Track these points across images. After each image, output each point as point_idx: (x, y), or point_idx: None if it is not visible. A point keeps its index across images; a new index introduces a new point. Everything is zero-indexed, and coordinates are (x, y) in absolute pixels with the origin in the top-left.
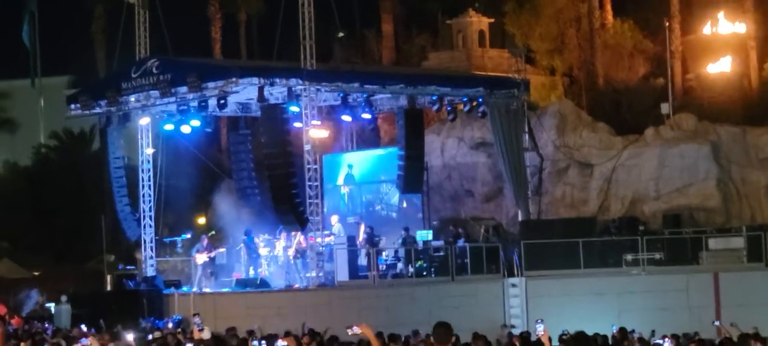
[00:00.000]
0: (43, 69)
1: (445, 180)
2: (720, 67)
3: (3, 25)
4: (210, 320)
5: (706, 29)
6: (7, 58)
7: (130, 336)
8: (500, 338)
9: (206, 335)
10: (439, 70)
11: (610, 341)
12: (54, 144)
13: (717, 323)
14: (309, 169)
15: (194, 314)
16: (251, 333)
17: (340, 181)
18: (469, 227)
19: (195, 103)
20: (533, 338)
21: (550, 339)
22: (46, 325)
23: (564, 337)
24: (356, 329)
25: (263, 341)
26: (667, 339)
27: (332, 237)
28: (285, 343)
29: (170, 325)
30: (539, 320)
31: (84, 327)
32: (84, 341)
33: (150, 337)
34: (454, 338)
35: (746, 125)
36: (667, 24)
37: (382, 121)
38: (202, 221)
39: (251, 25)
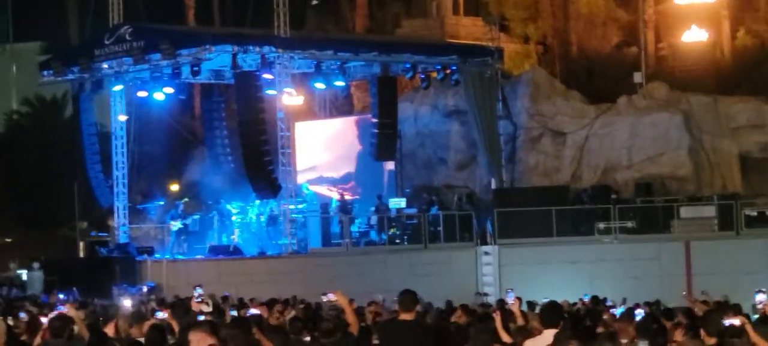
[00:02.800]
0: (14, 34)
1: (418, 148)
2: (693, 37)
3: None
4: (183, 288)
5: None
6: None
7: (128, 301)
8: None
9: (207, 308)
10: (413, 38)
11: (581, 310)
12: (26, 110)
13: (684, 293)
14: (282, 137)
15: (195, 286)
16: (225, 299)
17: None
18: (442, 194)
19: (168, 71)
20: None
21: (520, 307)
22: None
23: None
24: (331, 296)
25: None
26: (640, 308)
27: (305, 204)
28: (257, 311)
29: (145, 290)
30: (510, 290)
31: (62, 296)
32: (60, 307)
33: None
34: (418, 306)
35: (718, 94)
36: None
37: (355, 89)
38: (175, 188)
39: None
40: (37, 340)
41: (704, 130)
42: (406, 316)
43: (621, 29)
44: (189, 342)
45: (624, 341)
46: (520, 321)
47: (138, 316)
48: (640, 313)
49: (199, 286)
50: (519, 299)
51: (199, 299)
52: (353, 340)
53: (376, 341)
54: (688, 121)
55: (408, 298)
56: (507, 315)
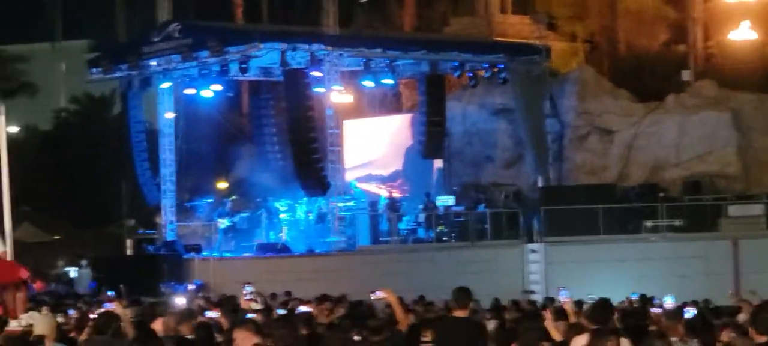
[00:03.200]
0: (63, 33)
1: (466, 146)
2: (742, 34)
3: None
4: (230, 286)
5: None
6: (28, 22)
7: (181, 299)
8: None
9: (256, 306)
10: (461, 36)
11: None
12: (74, 108)
13: (730, 292)
14: (331, 134)
15: (245, 283)
16: (274, 296)
17: None
18: (489, 192)
19: (216, 68)
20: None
21: (573, 307)
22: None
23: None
24: (380, 294)
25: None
26: (689, 306)
27: (353, 202)
28: (307, 309)
29: (193, 287)
30: (562, 288)
31: (110, 293)
32: (107, 304)
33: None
34: (473, 303)
35: (767, 93)
36: None
37: (403, 87)
38: (222, 185)
39: None
40: (83, 336)
41: (753, 128)
42: (460, 313)
43: (669, 27)
44: (234, 340)
45: (673, 339)
46: (573, 319)
47: (187, 314)
48: (689, 311)
49: (249, 283)
50: (578, 303)
51: (249, 297)
52: (402, 337)
53: (424, 339)
54: (737, 120)
55: (463, 294)
56: (558, 313)
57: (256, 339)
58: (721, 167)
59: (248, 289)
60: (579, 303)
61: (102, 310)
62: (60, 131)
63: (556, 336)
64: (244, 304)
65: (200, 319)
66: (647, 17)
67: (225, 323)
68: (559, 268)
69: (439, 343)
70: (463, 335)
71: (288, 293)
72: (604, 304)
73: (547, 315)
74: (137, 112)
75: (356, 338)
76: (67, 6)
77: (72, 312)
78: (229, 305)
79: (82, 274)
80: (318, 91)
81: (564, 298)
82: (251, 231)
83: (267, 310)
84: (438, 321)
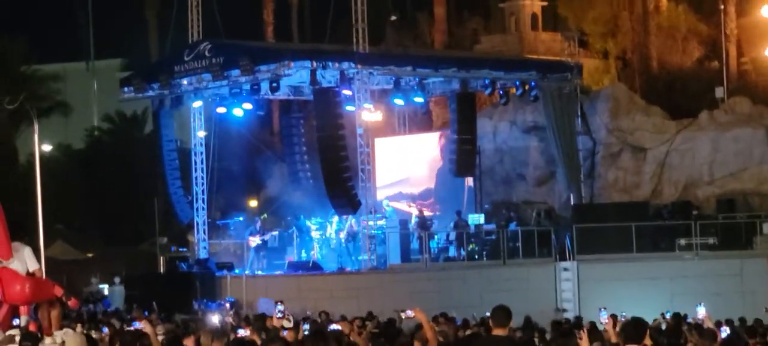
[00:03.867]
0: (96, 52)
1: (497, 164)
2: None
3: (57, 8)
4: (262, 304)
5: (763, 11)
6: (61, 41)
7: (215, 318)
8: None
9: (288, 324)
10: (492, 54)
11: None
12: (107, 127)
13: (766, 309)
14: (361, 153)
15: (277, 302)
16: (306, 318)
17: None
18: (520, 210)
19: (247, 86)
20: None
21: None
22: (104, 303)
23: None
24: (410, 313)
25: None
26: (724, 325)
27: (384, 220)
28: (340, 327)
29: (227, 305)
30: (603, 308)
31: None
32: (137, 323)
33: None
34: (511, 322)
35: None
36: (722, 7)
37: (434, 105)
38: (253, 203)
39: (303, 7)
40: None
41: None
42: (499, 331)
43: (702, 43)
44: None
45: None
46: (614, 339)
47: (220, 331)
48: (724, 330)
49: (280, 302)
50: (613, 316)
51: (281, 315)
52: None
53: None
54: None
55: (502, 313)
56: (591, 333)
57: None
58: (755, 185)
59: (280, 308)
60: (613, 316)
61: (131, 329)
62: (93, 150)
63: None
64: (275, 322)
65: (234, 336)
66: (680, 34)
67: (257, 340)
68: (592, 286)
69: None
70: None
71: (325, 314)
72: (637, 322)
73: (583, 335)
74: (169, 131)
75: None
76: (100, 25)
77: (105, 330)
78: (261, 322)
79: (116, 291)
80: (348, 109)
81: (604, 319)
82: (282, 249)
83: (296, 327)
84: (475, 339)
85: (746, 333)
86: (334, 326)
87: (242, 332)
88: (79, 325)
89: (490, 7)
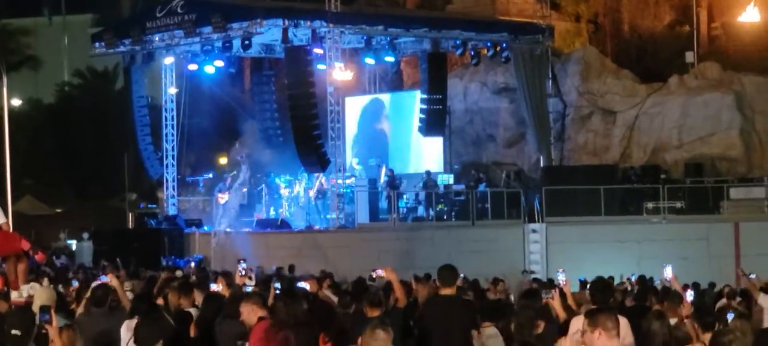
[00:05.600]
0: (67, 7)
1: (467, 124)
2: (746, 17)
3: None
4: (230, 260)
5: None
6: None
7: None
8: (522, 284)
9: (250, 282)
10: (464, 15)
11: (629, 289)
12: (77, 82)
13: (740, 269)
14: (331, 112)
15: (239, 259)
16: (280, 271)
17: None
18: (490, 171)
19: (219, 44)
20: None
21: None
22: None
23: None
24: (380, 272)
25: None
26: (689, 289)
27: (353, 179)
28: (306, 285)
29: (192, 264)
30: (560, 270)
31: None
32: (103, 277)
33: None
34: (459, 281)
35: None
36: None
37: (405, 65)
38: (223, 161)
39: None
40: (80, 309)
41: (756, 110)
42: (447, 290)
43: (673, 8)
44: (240, 313)
45: (673, 321)
46: (571, 300)
47: (187, 287)
48: (690, 294)
49: (243, 259)
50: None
51: (243, 273)
52: (399, 313)
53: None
54: (740, 102)
55: (448, 273)
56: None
57: (261, 312)
58: (723, 150)
59: (242, 265)
60: (584, 284)
61: (97, 283)
62: (63, 105)
63: (563, 316)
64: (238, 280)
65: (208, 291)
66: None
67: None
68: (560, 248)
69: (426, 321)
70: (448, 312)
71: (291, 268)
72: (604, 284)
73: (555, 295)
74: (140, 87)
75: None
76: None
77: (75, 283)
78: (229, 278)
79: (84, 247)
80: (319, 68)
81: (562, 279)
82: (251, 207)
83: (265, 285)
84: (425, 299)
85: (714, 298)
86: (301, 284)
87: (214, 287)
88: (45, 279)
89: None
